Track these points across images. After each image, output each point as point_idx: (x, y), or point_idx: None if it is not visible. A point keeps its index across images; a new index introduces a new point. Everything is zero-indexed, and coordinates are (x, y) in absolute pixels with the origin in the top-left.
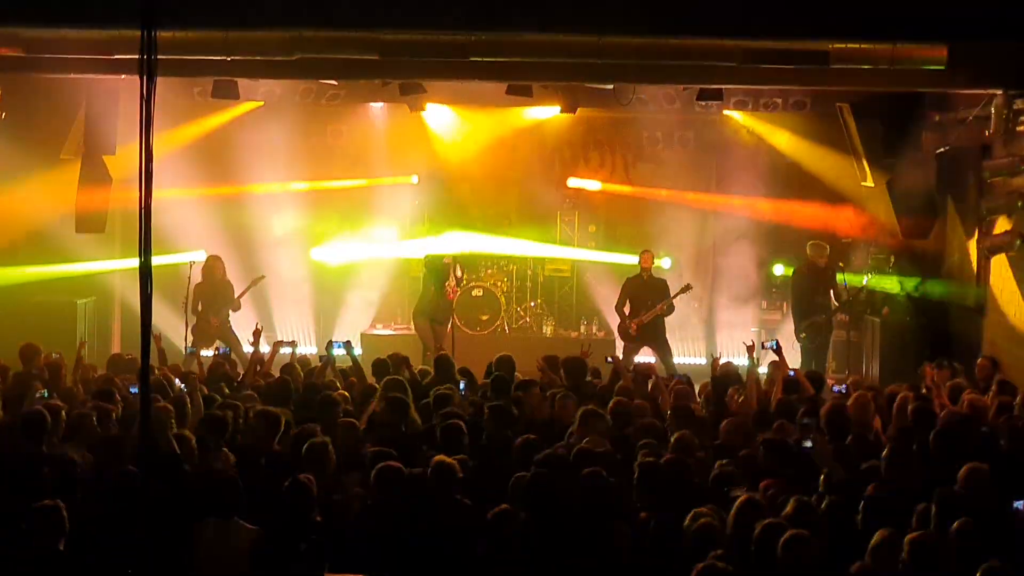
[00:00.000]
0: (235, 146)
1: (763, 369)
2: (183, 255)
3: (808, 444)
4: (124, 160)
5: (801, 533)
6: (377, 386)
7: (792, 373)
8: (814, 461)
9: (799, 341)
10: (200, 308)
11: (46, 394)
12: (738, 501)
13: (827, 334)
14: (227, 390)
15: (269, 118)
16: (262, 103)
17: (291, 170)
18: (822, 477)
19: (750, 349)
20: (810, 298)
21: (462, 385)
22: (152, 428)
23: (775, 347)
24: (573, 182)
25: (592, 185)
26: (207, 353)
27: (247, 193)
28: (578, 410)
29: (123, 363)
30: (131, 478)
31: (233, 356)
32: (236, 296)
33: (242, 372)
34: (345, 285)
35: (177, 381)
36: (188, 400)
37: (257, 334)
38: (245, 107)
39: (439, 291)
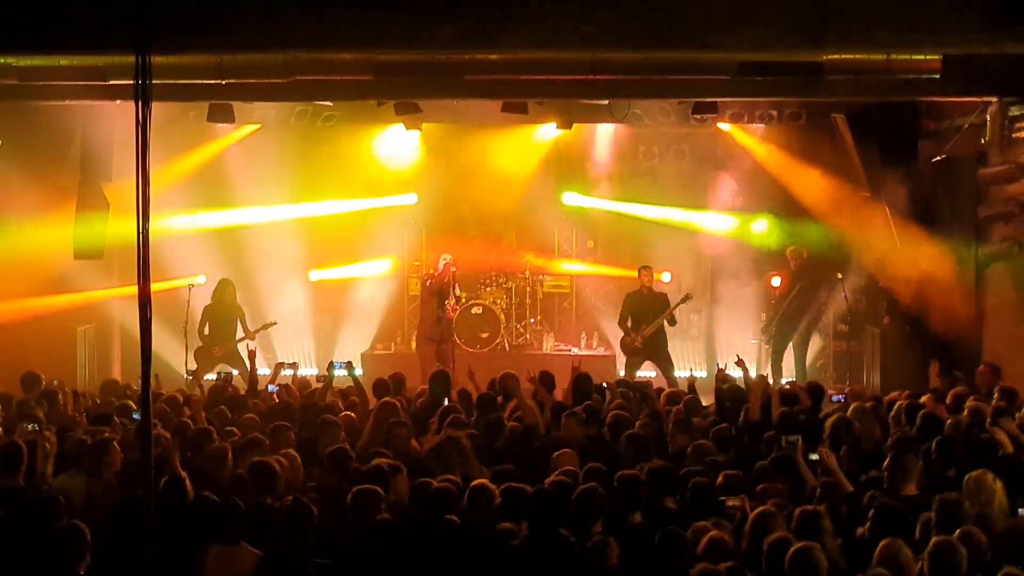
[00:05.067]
0: (232, 169)
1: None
2: (182, 280)
3: (814, 456)
4: (121, 186)
5: (811, 545)
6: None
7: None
8: (821, 472)
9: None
10: (207, 331)
11: (36, 426)
12: (753, 513)
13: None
14: (229, 414)
15: (266, 140)
16: (259, 126)
17: (289, 192)
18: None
19: (740, 363)
20: (780, 301)
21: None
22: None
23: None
24: (570, 198)
25: (589, 201)
26: (210, 376)
27: (245, 216)
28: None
29: (117, 388)
30: (136, 503)
31: (237, 380)
32: (252, 330)
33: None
34: (345, 306)
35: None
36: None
37: (252, 356)
38: (242, 131)
39: (441, 311)
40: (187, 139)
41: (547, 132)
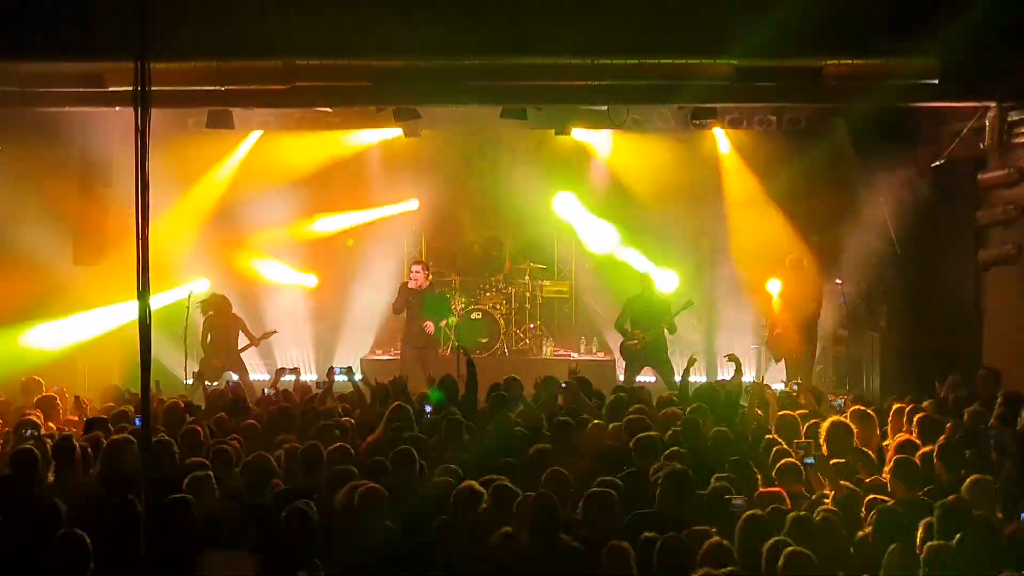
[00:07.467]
0: (235, 174)
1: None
2: (182, 288)
3: (810, 460)
4: (121, 192)
5: (801, 550)
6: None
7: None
8: (817, 477)
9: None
10: (210, 340)
11: (35, 432)
12: (743, 517)
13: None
14: (226, 421)
15: (267, 146)
16: (261, 132)
17: (289, 197)
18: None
19: (732, 359)
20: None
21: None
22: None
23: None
24: (561, 209)
25: (580, 213)
26: (214, 383)
27: (245, 222)
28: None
29: (117, 394)
30: (132, 508)
31: (241, 385)
32: (257, 337)
33: (250, 399)
34: (344, 311)
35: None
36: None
37: (279, 373)
38: (247, 137)
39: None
40: (187, 145)
41: (545, 137)
